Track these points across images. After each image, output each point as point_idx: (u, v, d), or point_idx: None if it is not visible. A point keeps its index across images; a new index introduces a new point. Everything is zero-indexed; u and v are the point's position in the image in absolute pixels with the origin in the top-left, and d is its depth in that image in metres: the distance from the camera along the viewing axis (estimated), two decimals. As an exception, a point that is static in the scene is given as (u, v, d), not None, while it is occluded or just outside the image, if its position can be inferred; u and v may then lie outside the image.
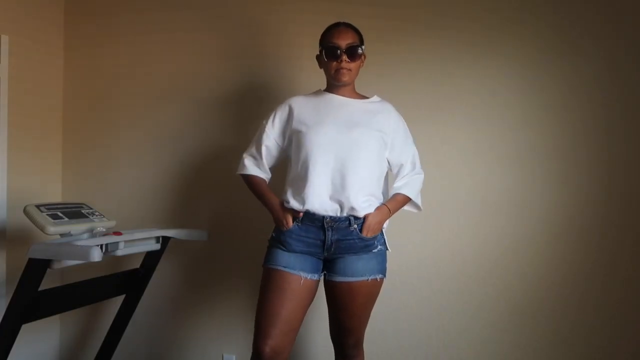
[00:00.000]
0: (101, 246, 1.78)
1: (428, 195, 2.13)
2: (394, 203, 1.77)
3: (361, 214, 1.68)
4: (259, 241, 2.33)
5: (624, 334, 1.92)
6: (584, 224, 1.96)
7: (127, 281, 2.20)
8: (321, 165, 1.67)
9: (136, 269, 2.24)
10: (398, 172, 1.80)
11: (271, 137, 1.81)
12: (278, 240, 1.74)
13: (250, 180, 1.84)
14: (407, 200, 1.80)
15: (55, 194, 2.72)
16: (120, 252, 1.90)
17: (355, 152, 1.68)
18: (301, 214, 1.68)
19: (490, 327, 2.06)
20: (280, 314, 1.62)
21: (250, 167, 1.84)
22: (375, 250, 1.71)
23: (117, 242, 1.88)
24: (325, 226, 1.67)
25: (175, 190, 2.54)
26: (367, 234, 1.68)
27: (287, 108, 1.80)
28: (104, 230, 1.99)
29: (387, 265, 2.10)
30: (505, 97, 2.05)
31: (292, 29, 2.30)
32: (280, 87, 2.33)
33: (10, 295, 1.76)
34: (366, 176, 1.70)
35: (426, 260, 2.14)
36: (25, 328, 1.78)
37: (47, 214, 1.85)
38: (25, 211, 1.85)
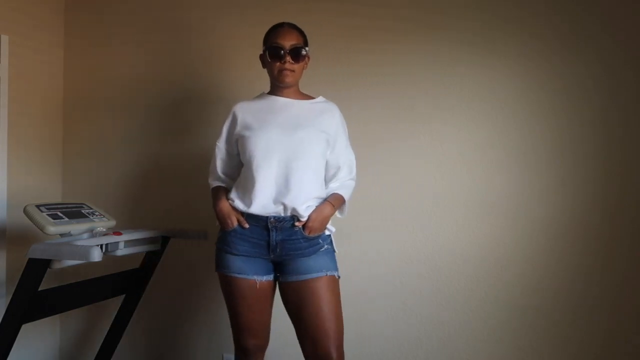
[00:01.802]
0: (101, 246, 1.78)
1: (428, 195, 2.14)
2: (335, 201, 1.75)
3: (305, 215, 1.67)
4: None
5: (623, 334, 1.92)
6: (583, 224, 1.96)
7: (127, 281, 2.20)
8: (265, 167, 1.67)
9: (136, 269, 2.24)
10: (334, 174, 1.79)
11: (223, 149, 1.86)
12: (224, 241, 1.74)
13: (213, 192, 1.88)
14: (342, 199, 1.78)
15: (55, 194, 2.72)
16: (120, 252, 1.90)
17: (300, 153, 1.68)
18: (242, 215, 1.70)
19: (489, 327, 2.06)
20: (251, 322, 1.73)
21: (212, 182, 1.92)
22: (322, 250, 1.70)
23: (117, 242, 1.88)
24: (270, 227, 1.67)
25: (175, 190, 2.54)
26: (309, 232, 1.67)
27: (231, 116, 1.82)
28: (104, 230, 1.99)
29: (388, 265, 2.11)
30: (504, 98, 2.05)
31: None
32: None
33: (10, 295, 1.76)
34: (311, 177, 1.70)
35: (426, 260, 2.14)
36: (25, 328, 1.78)
37: (47, 214, 1.85)
38: (25, 211, 1.85)
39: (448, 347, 2.11)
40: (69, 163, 2.76)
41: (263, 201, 1.66)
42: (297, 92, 1.81)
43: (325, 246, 1.72)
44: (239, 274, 1.70)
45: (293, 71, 1.71)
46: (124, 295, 2.26)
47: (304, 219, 1.67)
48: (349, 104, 2.15)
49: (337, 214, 1.81)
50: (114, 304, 2.34)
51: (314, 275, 1.65)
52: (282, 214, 1.66)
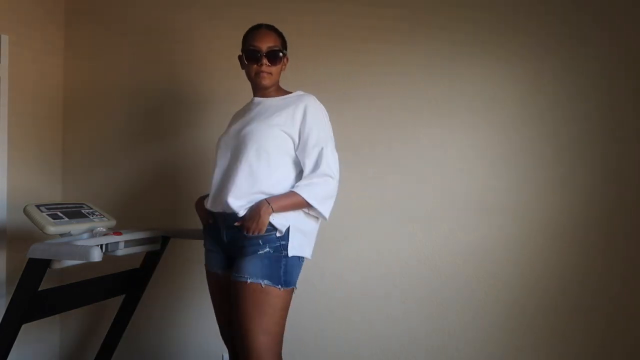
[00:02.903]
0: (101, 246, 1.78)
1: (428, 195, 2.14)
2: (280, 199, 1.60)
3: (241, 212, 1.61)
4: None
5: (623, 334, 1.92)
6: (582, 224, 1.96)
7: (127, 281, 2.20)
8: (217, 166, 1.73)
9: (136, 269, 2.24)
10: (303, 171, 1.66)
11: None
12: (204, 238, 1.84)
13: None
14: (301, 201, 1.60)
15: (55, 194, 2.72)
16: (120, 252, 1.90)
17: (242, 150, 1.64)
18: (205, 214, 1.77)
19: (489, 327, 2.06)
20: (220, 312, 1.80)
21: None
22: (261, 252, 1.58)
23: (117, 242, 1.88)
24: (219, 224, 1.70)
25: (175, 190, 2.54)
26: (246, 232, 1.58)
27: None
28: (104, 230, 1.99)
29: (387, 265, 2.08)
30: (503, 98, 2.05)
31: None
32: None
33: (10, 295, 1.76)
34: (251, 172, 1.62)
35: (426, 260, 2.14)
36: (25, 328, 1.78)
37: (47, 214, 1.85)
38: (25, 211, 1.85)
39: (448, 347, 2.11)
40: (69, 163, 2.76)
41: (211, 198, 1.72)
42: (275, 91, 1.78)
43: (267, 249, 1.58)
44: (207, 265, 1.81)
45: (270, 74, 1.71)
46: (124, 295, 2.26)
47: (240, 217, 1.61)
48: (347, 105, 2.15)
49: (317, 216, 1.67)
50: (114, 304, 2.34)
51: (237, 278, 1.58)
52: (225, 211, 1.65)
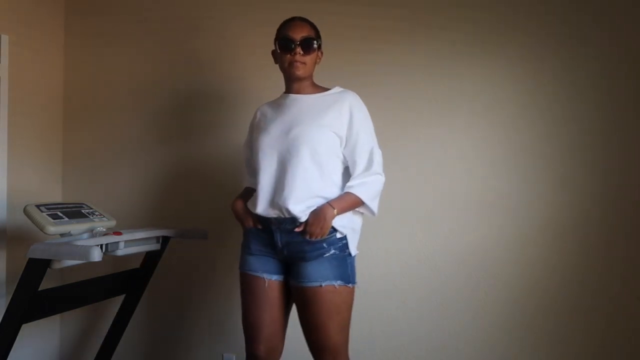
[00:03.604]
0: (101, 246, 1.78)
1: (428, 195, 2.14)
2: (340, 201, 1.61)
3: (302, 217, 1.60)
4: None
5: (623, 334, 1.92)
6: (583, 224, 1.96)
7: (127, 281, 2.20)
8: (265, 169, 1.67)
9: (136, 269, 2.24)
10: (352, 170, 1.66)
11: (246, 151, 1.87)
12: (244, 242, 1.76)
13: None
14: (357, 201, 1.63)
15: (55, 194, 2.72)
16: (120, 252, 1.90)
17: (294, 152, 1.61)
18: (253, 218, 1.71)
19: (489, 327, 2.06)
20: (259, 319, 1.68)
21: (243, 182, 1.91)
22: (327, 255, 1.59)
23: (117, 242, 1.88)
24: (273, 228, 1.66)
25: (175, 190, 2.54)
26: (309, 237, 1.58)
27: (252, 119, 1.85)
28: (104, 230, 1.99)
29: (388, 265, 2.09)
30: (503, 98, 2.05)
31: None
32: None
33: (10, 295, 1.76)
34: (306, 176, 1.60)
35: (426, 260, 2.14)
36: (25, 328, 1.78)
37: (47, 214, 1.84)
38: (25, 211, 1.84)
39: (448, 347, 2.11)
40: (69, 163, 2.76)
41: (264, 203, 1.66)
42: (310, 86, 1.74)
43: (332, 251, 1.60)
44: (250, 271, 1.70)
45: (304, 63, 1.67)
46: (124, 295, 2.26)
47: (301, 222, 1.60)
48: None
49: (367, 213, 1.70)
50: (114, 304, 2.34)
51: (309, 284, 1.58)
52: (282, 216, 1.62)
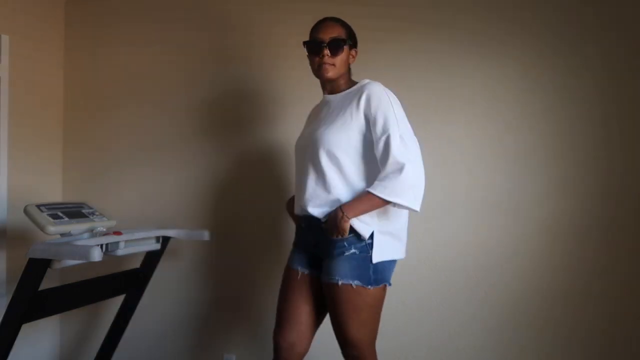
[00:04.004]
0: (101, 246, 1.78)
1: (429, 195, 2.13)
2: (353, 203, 1.55)
3: (321, 217, 1.62)
4: (259, 241, 2.34)
5: (624, 334, 1.92)
6: (583, 224, 1.96)
7: (127, 281, 2.20)
8: (297, 171, 1.74)
9: (136, 269, 2.24)
10: (381, 169, 1.57)
11: None
12: (295, 237, 1.82)
13: None
14: (374, 199, 1.52)
15: (55, 194, 2.72)
16: (120, 252, 1.90)
17: (313, 156, 1.63)
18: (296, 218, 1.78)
19: (489, 327, 2.06)
20: (286, 309, 1.72)
21: None
22: (347, 254, 1.57)
23: (117, 242, 1.88)
24: (304, 225, 1.72)
25: (175, 190, 2.54)
26: (331, 235, 1.58)
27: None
28: (104, 230, 1.99)
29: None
30: (505, 98, 2.05)
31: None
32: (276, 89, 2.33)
33: (10, 295, 1.76)
34: (325, 180, 1.60)
35: (426, 260, 2.14)
36: (25, 328, 1.78)
37: (47, 214, 1.85)
38: (25, 211, 1.85)
39: (449, 347, 2.11)
40: (69, 163, 2.75)
41: (297, 203, 1.73)
42: (345, 84, 1.71)
43: (353, 250, 1.57)
44: (290, 263, 1.77)
45: (333, 65, 1.64)
46: (124, 295, 2.26)
47: (323, 222, 1.61)
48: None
49: (408, 209, 1.57)
50: (114, 304, 2.34)
51: (329, 280, 1.59)
52: (308, 214, 1.66)
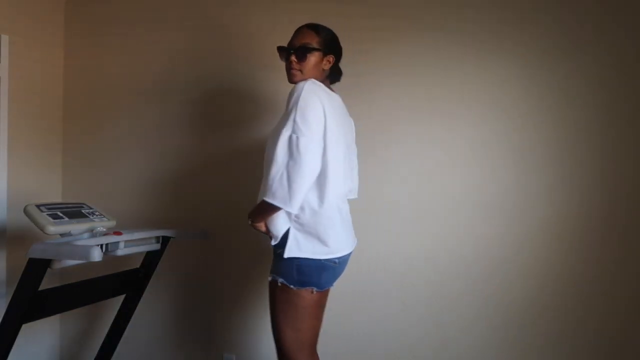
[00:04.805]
0: (101, 246, 1.78)
1: (428, 195, 2.14)
2: (254, 208, 1.64)
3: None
4: (259, 241, 2.34)
5: (626, 335, 1.91)
6: (583, 224, 1.96)
7: (127, 281, 2.20)
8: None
9: (136, 269, 2.24)
10: None
11: None
12: None
13: None
14: (262, 203, 1.55)
15: (55, 194, 2.72)
16: (120, 252, 1.90)
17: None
18: None
19: (490, 327, 2.06)
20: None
21: None
22: (277, 252, 1.65)
23: (117, 242, 1.88)
24: None
25: (175, 190, 2.54)
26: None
27: None
28: (104, 230, 1.99)
29: (388, 265, 2.07)
30: (504, 99, 2.05)
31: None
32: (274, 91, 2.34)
33: (10, 295, 1.75)
34: (262, 186, 1.65)
35: (426, 260, 2.14)
36: (25, 328, 1.78)
37: (47, 214, 1.84)
38: (25, 211, 1.84)
39: (449, 347, 2.11)
40: (69, 163, 2.76)
41: None
42: None
43: (279, 250, 1.63)
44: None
45: (299, 70, 1.67)
46: (124, 295, 2.26)
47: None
48: (348, 105, 2.14)
49: (279, 206, 1.51)
50: (114, 304, 2.34)
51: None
52: None
